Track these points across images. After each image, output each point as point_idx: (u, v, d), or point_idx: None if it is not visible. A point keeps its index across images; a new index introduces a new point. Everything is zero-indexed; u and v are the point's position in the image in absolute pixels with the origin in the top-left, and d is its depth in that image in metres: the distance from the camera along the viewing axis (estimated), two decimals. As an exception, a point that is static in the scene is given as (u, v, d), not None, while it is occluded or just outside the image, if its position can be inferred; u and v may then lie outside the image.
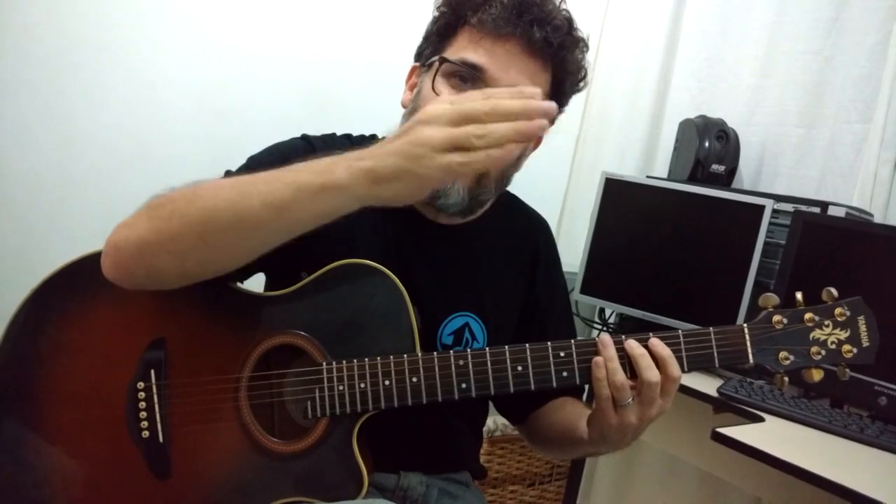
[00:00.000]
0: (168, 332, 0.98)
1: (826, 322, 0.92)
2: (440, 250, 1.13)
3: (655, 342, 0.92)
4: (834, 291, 0.93)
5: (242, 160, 1.08)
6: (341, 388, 0.96)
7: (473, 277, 1.14)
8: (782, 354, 0.92)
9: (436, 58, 1.05)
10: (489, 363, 0.95)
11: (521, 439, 1.76)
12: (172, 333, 0.98)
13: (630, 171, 2.46)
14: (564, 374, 0.94)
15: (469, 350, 0.96)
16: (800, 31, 2.10)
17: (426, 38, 1.10)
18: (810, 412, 1.51)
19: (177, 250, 0.88)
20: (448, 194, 1.03)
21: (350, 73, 2.20)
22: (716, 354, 0.93)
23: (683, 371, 0.92)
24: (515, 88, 0.82)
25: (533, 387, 0.95)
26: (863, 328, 0.91)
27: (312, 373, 0.96)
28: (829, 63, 2.02)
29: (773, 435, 1.42)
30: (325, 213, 0.85)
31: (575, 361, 0.94)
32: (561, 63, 1.05)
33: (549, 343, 0.95)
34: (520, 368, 0.95)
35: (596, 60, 2.63)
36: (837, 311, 0.92)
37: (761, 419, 1.49)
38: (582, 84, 1.10)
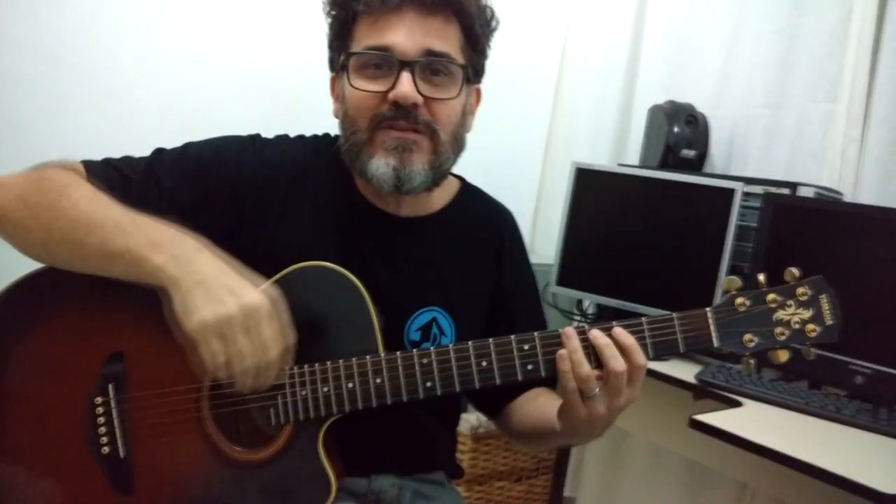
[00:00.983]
0: (126, 345, 0.97)
1: (788, 302, 0.91)
2: (403, 245, 1.11)
3: (619, 331, 0.91)
4: (796, 271, 0.91)
5: None
6: (304, 392, 0.95)
7: (439, 271, 1.12)
8: (747, 337, 0.91)
9: (342, 56, 1.04)
10: (453, 360, 0.94)
11: (505, 435, 1.75)
12: (130, 347, 0.97)
13: (603, 160, 2.45)
14: (529, 367, 0.93)
15: (432, 348, 0.95)
16: (764, 9, 2.10)
17: (330, 46, 1.09)
18: (788, 394, 1.50)
19: (24, 234, 0.95)
20: (411, 178, 1.01)
21: (315, 75, 2.16)
22: (680, 340, 0.92)
23: (649, 358, 0.91)
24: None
25: (498, 381, 0.94)
26: (826, 306, 0.90)
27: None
28: (793, 42, 2.03)
29: (750, 419, 1.42)
30: (138, 279, 0.90)
31: (539, 354, 0.93)
32: (461, 9, 1.03)
33: (512, 337, 0.94)
34: (484, 364, 0.94)
35: (564, 50, 2.63)
36: (800, 290, 0.91)
37: (739, 404, 1.49)
38: (494, 22, 1.08)
